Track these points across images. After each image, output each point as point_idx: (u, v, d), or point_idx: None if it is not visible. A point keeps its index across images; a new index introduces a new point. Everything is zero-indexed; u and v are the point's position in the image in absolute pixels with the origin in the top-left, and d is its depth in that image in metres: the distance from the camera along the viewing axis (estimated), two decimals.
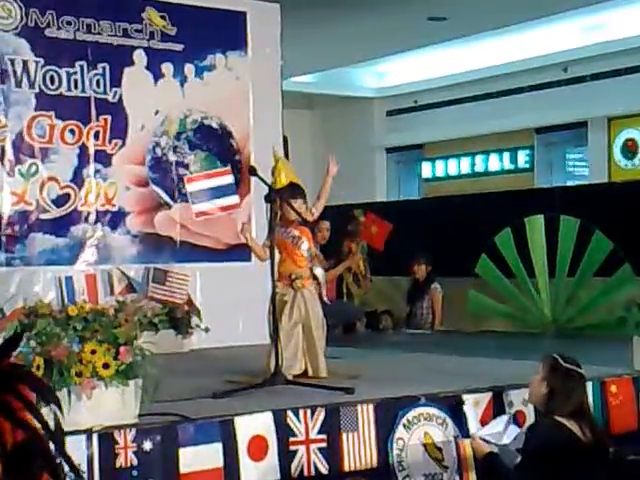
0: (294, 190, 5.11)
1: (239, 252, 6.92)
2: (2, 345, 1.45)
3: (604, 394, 4.66)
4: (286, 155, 7.42)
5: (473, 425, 4.10)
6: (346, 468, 3.91)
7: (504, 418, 4.18)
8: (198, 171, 7.06)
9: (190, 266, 6.74)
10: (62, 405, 1.46)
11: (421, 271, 8.64)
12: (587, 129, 11.56)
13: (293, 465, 3.78)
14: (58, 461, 1.41)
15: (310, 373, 4.97)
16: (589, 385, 4.57)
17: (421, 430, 4.09)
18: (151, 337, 5.56)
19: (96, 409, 3.43)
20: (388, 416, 4.03)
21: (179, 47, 6.98)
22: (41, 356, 3.38)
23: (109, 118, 6.67)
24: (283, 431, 3.77)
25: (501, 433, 4.06)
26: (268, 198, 4.86)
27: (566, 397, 3.78)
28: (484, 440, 4.04)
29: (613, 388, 4.71)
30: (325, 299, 5.24)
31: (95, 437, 3.36)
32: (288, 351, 4.81)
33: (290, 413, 3.82)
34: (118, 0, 6.87)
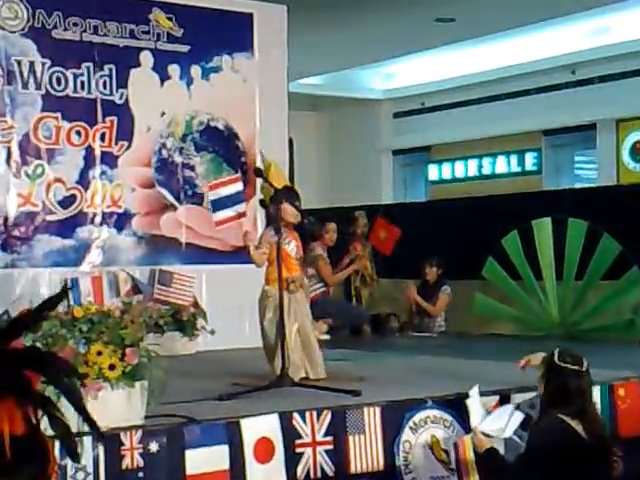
0: (291, 193, 5.05)
1: (245, 254, 6.89)
2: (8, 326, 1.43)
3: (612, 397, 4.63)
4: (291, 157, 7.42)
5: (475, 418, 4.07)
6: (352, 470, 3.89)
7: (507, 408, 4.15)
8: (204, 173, 7.05)
9: (196, 268, 6.73)
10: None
11: (432, 273, 8.61)
12: (595, 131, 11.52)
13: (299, 467, 3.77)
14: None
15: (311, 376, 4.95)
16: (597, 389, 4.55)
17: (428, 432, 4.08)
18: (157, 339, 5.57)
19: (102, 411, 3.41)
20: (395, 418, 4.02)
21: (185, 48, 6.98)
22: None
23: (115, 119, 6.67)
24: (289, 433, 3.76)
25: (503, 428, 4.03)
26: (274, 200, 4.85)
27: (562, 394, 3.76)
28: (485, 434, 4.01)
29: (621, 391, 4.68)
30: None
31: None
32: (293, 355, 4.79)
33: (296, 415, 3.81)
34: (125, 1, 6.87)
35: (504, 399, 4.32)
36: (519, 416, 4.07)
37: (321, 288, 8.00)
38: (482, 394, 4.27)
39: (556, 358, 3.80)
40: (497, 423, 4.04)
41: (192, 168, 7.01)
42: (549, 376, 3.81)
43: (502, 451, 3.98)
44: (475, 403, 4.10)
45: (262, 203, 4.90)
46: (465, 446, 4.04)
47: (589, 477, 3.70)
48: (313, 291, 7.93)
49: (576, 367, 3.79)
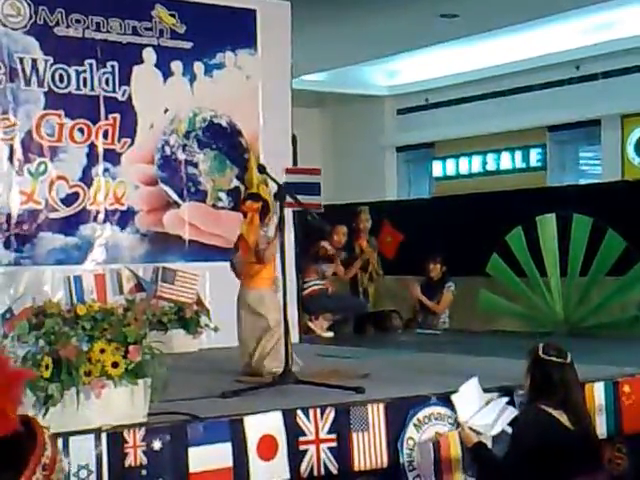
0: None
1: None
2: None
3: (617, 394, 4.62)
4: (295, 154, 7.40)
5: (463, 413, 4.06)
6: (356, 468, 3.88)
7: (499, 403, 4.14)
8: (207, 170, 7.05)
9: (199, 265, 6.72)
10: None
11: (436, 270, 8.59)
12: (600, 127, 11.49)
13: (303, 465, 3.76)
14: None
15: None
16: (601, 385, 4.54)
17: (432, 430, 4.06)
18: (160, 336, 5.56)
19: (105, 408, 3.42)
20: (399, 416, 4.00)
21: (188, 45, 6.97)
22: (50, 355, 3.36)
23: (118, 117, 6.66)
24: (293, 431, 3.75)
25: (490, 424, 4.03)
26: (278, 196, 4.84)
27: (546, 385, 3.84)
28: (473, 430, 4.01)
29: (626, 388, 4.67)
30: None
31: (104, 436, 3.34)
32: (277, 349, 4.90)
33: (300, 412, 3.80)
34: None
35: (508, 395, 4.30)
36: (511, 412, 4.06)
37: (318, 285, 7.98)
38: (486, 390, 4.25)
39: (540, 352, 3.87)
40: (486, 418, 4.04)
41: (195, 165, 7.00)
42: (534, 369, 3.90)
43: (490, 445, 4.00)
44: (465, 398, 4.10)
45: (276, 197, 4.85)
46: (449, 442, 4.03)
47: (575, 466, 3.71)
48: (310, 287, 7.94)
49: (560, 360, 3.85)
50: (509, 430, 4.03)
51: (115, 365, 3.42)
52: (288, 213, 5.36)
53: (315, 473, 3.78)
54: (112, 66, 6.64)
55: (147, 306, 5.72)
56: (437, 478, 4.00)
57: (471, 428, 4.02)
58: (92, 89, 6.56)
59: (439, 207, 10.24)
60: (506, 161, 12.63)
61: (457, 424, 4.08)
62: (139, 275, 6.43)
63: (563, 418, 3.79)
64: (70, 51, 6.49)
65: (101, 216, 6.61)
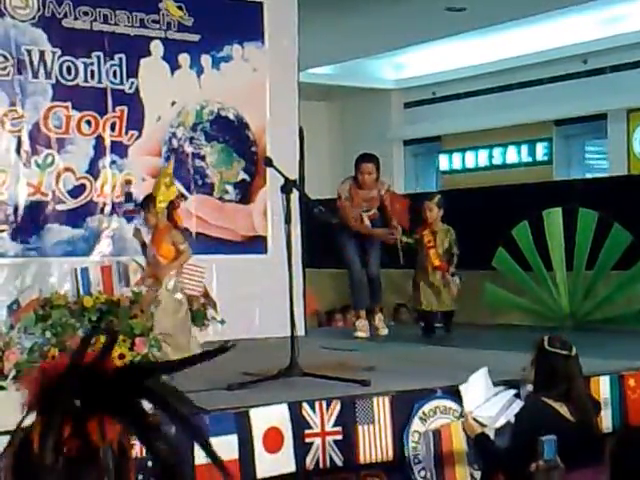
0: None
1: (256, 244, 6.91)
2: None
3: (622, 388, 4.62)
4: (302, 147, 7.39)
5: (468, 403, 4.07)
6: (362, 460, 3.89)
7: (505, 396, 4.14)
8: (214, 163, 7.05)
9: (206, 258, 6.71)
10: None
11: None
12: (607, 121, 11.47)
13: (308, 457, 3.77)
14: None
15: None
16: (607, 379, 4.54)
17: (437, 423, 4.07)
18: None
19: None
20: (404, 409, 4.02)
21: (196, 38, 6.96)
22: (56, 347, 3.38)
23: (125, 109, 6.65)
24: (299, 423, 3.76)
25: (493, 417, 4.04)
26: (284, 189, 4.85)
27: (549, 377, 3.86)
28: (477, 421, 4.02)
29: (631, 382, 4.67)
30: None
31: None
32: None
33: (306, 405, 3.81)
34: None
35: (514, 389, 4.31)
36: (518, 405, 4.07)
37: None
38: (492, 384, 4.26)
39: (546, 344, 3.88)
40: (490, 410, 4.05)
41: (202, 158, 7.00)
42: (538, 361, 3.90)
43: (492, 436, 4.01)
44: (472, 388, 4.10)
45: (282, 189, 4.82)
46: (451, 433, 4.03)
47: (575, 458, 3.72)
48: None
49: (564, 352, 3.86)
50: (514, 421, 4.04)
51: (121, 357, 3.43)
52: (295, 206, 5.33)
53: (321, 466, 3.79)
54: (120, 58, 6.63)
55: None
56: (439, 471, 4.01)
57: (475, 419, 4.03)
58: (100, 81, 6.56)
59: (445, 201, 10.21)
60: (512, 155, 12.62)
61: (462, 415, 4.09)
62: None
63: (563, 410, 3.80)
64: (78, 43, 6.48)
65: (108, 208, 6.62)
